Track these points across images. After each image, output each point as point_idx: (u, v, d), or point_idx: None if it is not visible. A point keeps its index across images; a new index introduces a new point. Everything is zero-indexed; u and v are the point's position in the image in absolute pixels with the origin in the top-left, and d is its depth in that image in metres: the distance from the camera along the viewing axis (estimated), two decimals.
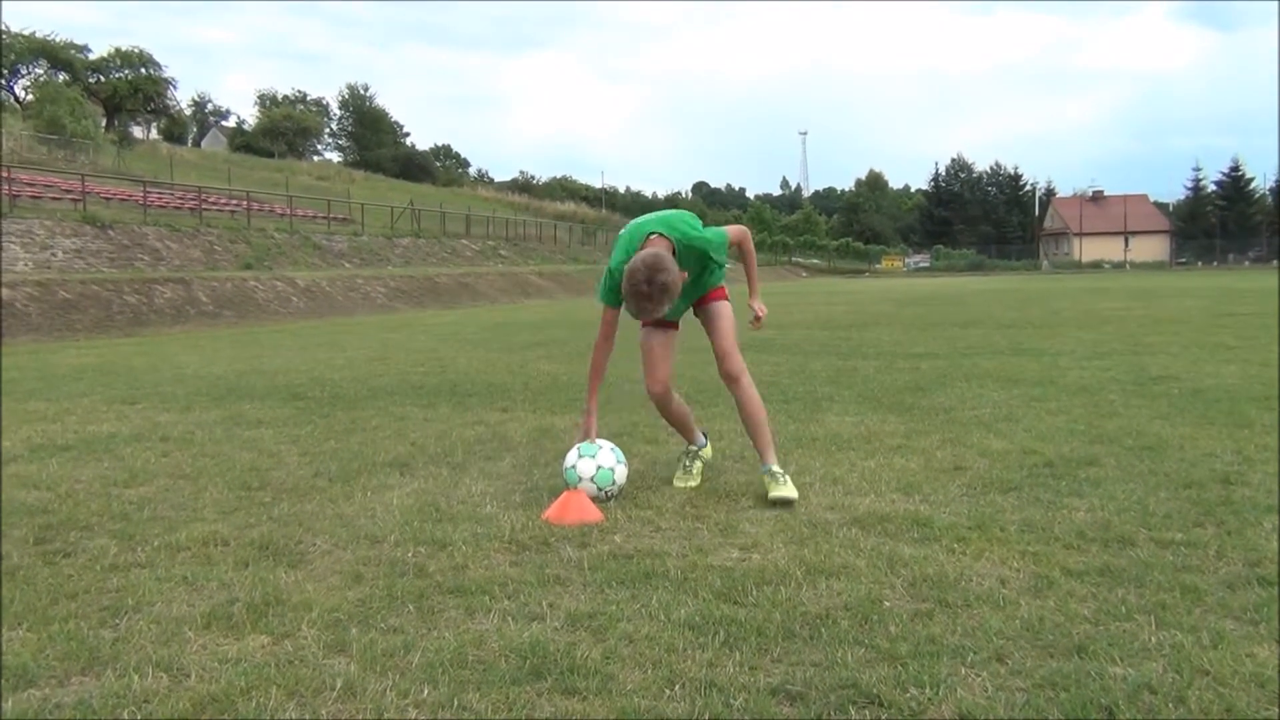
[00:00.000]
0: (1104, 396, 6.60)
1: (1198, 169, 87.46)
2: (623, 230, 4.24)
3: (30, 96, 47.51)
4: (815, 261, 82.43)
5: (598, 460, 4.05)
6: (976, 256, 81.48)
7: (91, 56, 53.38)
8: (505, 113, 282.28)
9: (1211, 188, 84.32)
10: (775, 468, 4.09)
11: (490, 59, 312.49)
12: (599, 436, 4.22)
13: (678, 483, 4.34)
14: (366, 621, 2.73)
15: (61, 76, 49.33)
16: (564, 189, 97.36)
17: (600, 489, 4.02)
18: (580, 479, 4.01)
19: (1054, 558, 3.14)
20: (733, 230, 4.39)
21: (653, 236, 4.03)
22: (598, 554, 3.31)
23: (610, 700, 2.23)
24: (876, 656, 2.42)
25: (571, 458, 4.09)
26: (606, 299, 4.11)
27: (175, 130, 68.93)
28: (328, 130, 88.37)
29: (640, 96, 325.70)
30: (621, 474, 4.10)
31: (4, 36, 48.18)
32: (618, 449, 4.20)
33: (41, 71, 50.59)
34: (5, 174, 25.28)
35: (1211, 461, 4.48)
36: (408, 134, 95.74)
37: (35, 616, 2.82)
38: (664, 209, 4.57)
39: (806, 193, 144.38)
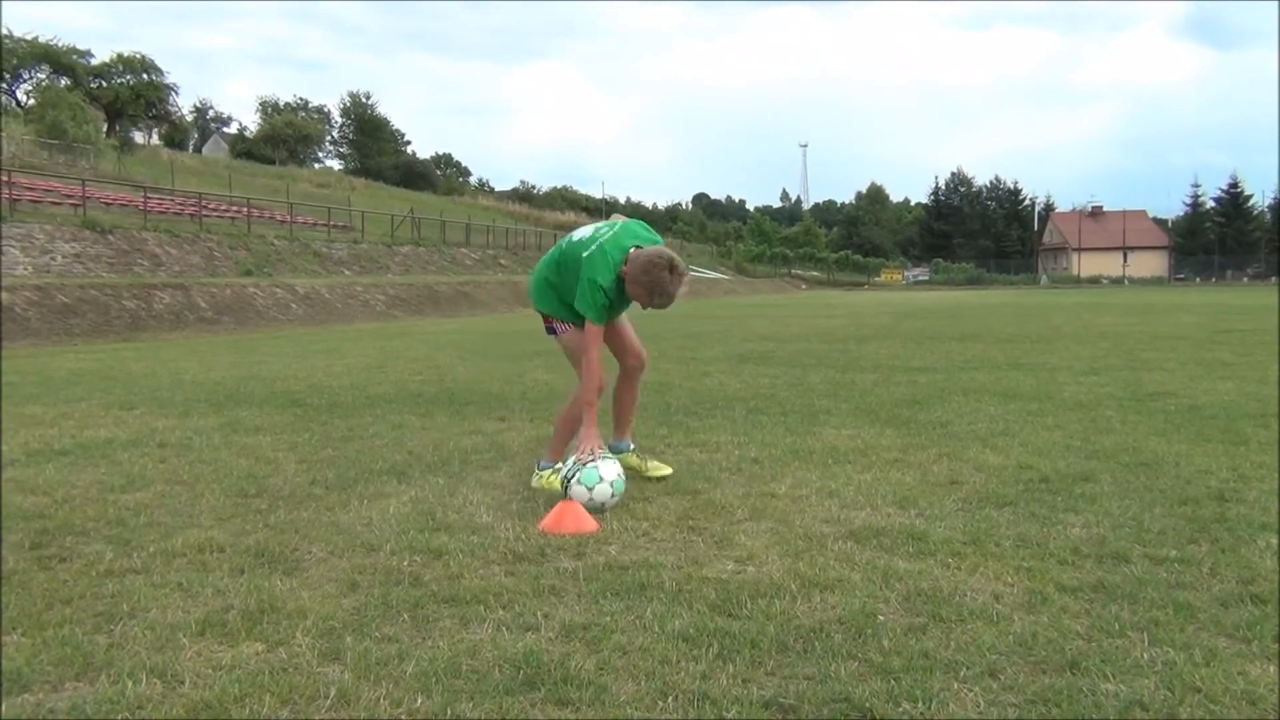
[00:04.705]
0: (1100, 412, 6.61)
1: (1196, 185, 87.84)
2: (586, 250, 4.36)
3: (32, 101, 47.58)
4: (815, 274, 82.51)
5: (617, 467, 4.17)
6: (975, 270, 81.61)
7: (94, 62, 53.49)
8: (506, 122, 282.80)
9: (1210, 204, 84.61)
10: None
11: (492, 68, 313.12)
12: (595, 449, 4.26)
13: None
14: (361, 630, 2.74)
15: (63, 81, 49.42)
16: (564, 199, 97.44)
17: (614, 495, 4.08)
18: (600, 479, 4.06)
19: (1048, 573, 3.15)
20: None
21: (632, 250, 4.31)
22: (593, 565, 3.32)
23: (603, 711, 2.23)
24: (870, 670, 2.43)
25: (573, 466, 4.13)
26: (601, 318, 4.31)
27: (176, 136, 68.97)
28: (329, 138, 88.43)
29: (641, 107, 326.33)
30: (622, 486, 4.18)
31: (6, 41, 48.26)
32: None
33: (44, 76, 50.71)
34: (6, 178, 25.30)
35: (1207, 478, 4.48)
36: (409, 142, 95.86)
37: (30, 622, 2.82)
38: (645, 219, 4.98)
39: (806, 205, 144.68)
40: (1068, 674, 2.39)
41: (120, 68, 53.29)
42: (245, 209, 36.16)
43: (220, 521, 3.99)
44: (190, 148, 75.54)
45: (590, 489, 4.04)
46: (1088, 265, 79.01)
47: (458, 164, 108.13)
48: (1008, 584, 3.06)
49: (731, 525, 3.83)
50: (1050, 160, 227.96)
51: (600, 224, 4.57)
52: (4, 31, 48.60)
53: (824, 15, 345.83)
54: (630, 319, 4.77)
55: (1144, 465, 4.81)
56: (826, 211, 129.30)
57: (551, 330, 4.61)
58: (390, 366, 11.22)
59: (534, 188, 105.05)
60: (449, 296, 34.23)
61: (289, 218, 37.76)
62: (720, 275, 68.52)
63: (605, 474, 4.09)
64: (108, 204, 31.20)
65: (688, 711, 2.23)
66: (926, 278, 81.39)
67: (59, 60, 50.87)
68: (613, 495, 4.08)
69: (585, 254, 4.34)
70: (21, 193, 27.29)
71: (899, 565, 3.24)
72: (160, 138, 64.66)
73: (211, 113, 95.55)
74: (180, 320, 22.03)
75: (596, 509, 4.01)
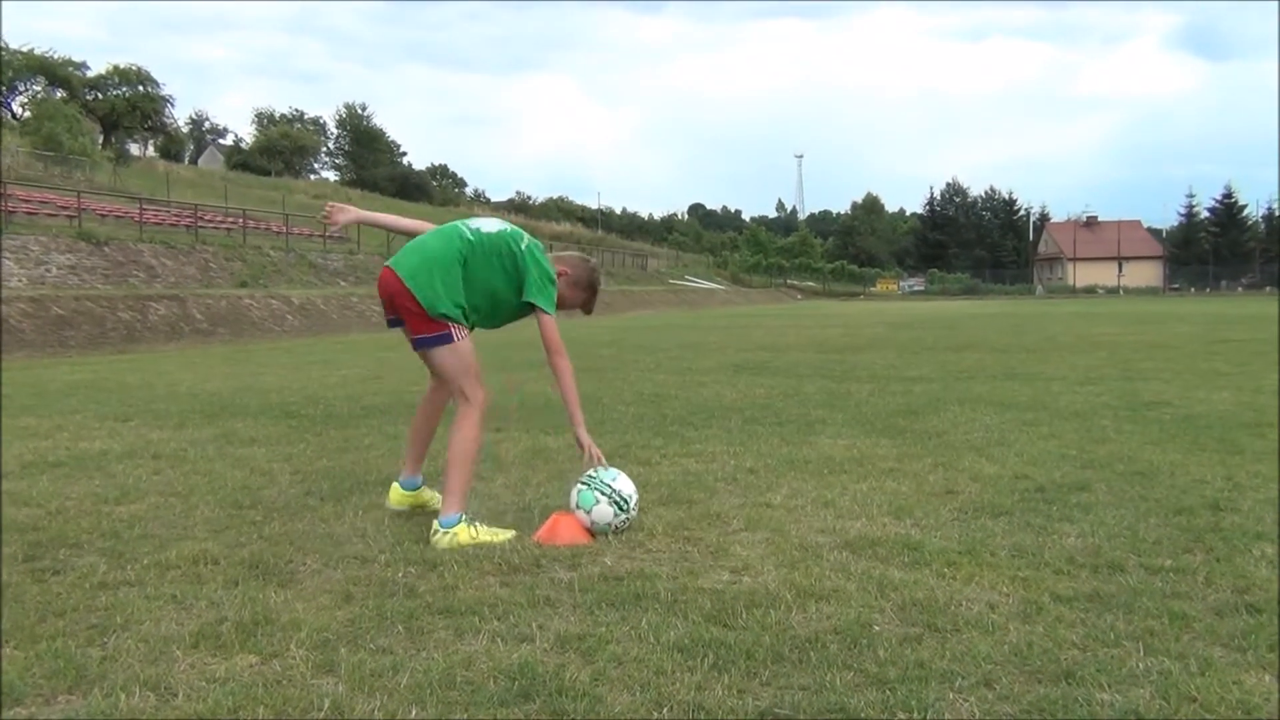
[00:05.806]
0: (1096, 422, 6.61)
1: (1191, 195, 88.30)
2: (522, 240, 4.08)
3: (27, 113, 47.56)
4: (810, 284, 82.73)
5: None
6: (971, 280, 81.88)
7: (90, 74, 53.46)
8: (502, 133, 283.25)
9: (1205, 214, 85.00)
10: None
11: (489, 79, 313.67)
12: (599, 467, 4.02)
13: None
14: (355, 642, 2.73)
15: (59, 93, 49.38)
16: (560, 209, 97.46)
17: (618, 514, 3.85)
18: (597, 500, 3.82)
19: (1044, 583, 3.14)
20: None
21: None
22: (588, 575, 3.31)
23: None
24: (865, 681, 2.42)
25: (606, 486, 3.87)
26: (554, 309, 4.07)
27: (172, 148, 68.89)
28: (325, 149, 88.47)
29: (638, 117, 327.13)
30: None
31: (2, 53, 48.31)
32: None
33: (39, 88, 50.66)
34: (1, 190, 25.30)
35: (1202, 488, 4.49)
36: (405, 153, 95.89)
37: (23, 634, 2.81)
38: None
39: (802, 215, 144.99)
40: (1063, 684, 2.38)
41: (116, 80, 53.23)
42: (241, 220, 36.14)
43: (214, 533, 3.98)
44: (186, 159, 75.46)
45: (589, 511, 3.82)
46: (1083, 275, 79.23)
47: (453, 175, 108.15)
48: (1003, 594, 3.06)
49: (727, 535, 3.82)
50: (1045, 170, 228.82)
51: (484, 219, 4.19)
52: (0, 43, 48.64)
53: (819, 27, 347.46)
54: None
55: (1139, 475, 4.82)
56: (822, 222, 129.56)
57: (440, 339, 3.81)
58: (386, 377, 11.21)
59: (530, 198, 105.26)
60: None
61: (285, 229, 37.74)
62: (716, 285, 68.62)
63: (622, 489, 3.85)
64: (103, 215, 31.17)
65: None
66: (922, 288, 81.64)
67: (55, 72, 50.81)
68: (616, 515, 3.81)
69: (524, 244, 4.02)
70: (17, 205, 27.28)
71: (894, 575, 3.24)
72: (156, 149, 64.65)
73: (207, 124, 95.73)
74: (175, 332, 22.01)
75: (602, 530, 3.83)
